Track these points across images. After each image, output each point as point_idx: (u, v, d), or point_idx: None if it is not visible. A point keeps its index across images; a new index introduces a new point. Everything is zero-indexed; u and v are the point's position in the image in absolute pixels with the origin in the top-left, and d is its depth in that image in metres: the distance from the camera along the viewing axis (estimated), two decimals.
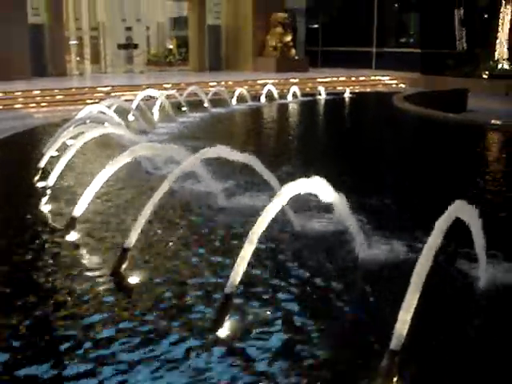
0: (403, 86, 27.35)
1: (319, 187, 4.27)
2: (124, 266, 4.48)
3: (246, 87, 19.73)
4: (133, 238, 4.60)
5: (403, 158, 9.23)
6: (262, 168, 5.34)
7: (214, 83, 21.09)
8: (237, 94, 16.20)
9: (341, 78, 26.55)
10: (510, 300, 4.07)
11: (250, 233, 3.84)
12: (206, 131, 11.42)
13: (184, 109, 13.69)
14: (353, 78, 27.07)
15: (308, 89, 21.94)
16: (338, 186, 4.43)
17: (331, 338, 3.64)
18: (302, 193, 4.13)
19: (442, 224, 3.45)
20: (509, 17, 28.15)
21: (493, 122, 12.65)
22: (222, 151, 5.35)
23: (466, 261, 4.47)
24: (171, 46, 35.62)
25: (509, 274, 4.32)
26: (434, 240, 3.34)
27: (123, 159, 5.48)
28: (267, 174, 5.37)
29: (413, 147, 10.62)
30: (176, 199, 6.19)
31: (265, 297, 4.08)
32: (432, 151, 10.05)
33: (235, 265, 3.78)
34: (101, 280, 4.37)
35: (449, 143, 11.16)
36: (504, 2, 27.95)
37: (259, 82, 22.96)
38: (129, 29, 34.24)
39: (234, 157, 5.32)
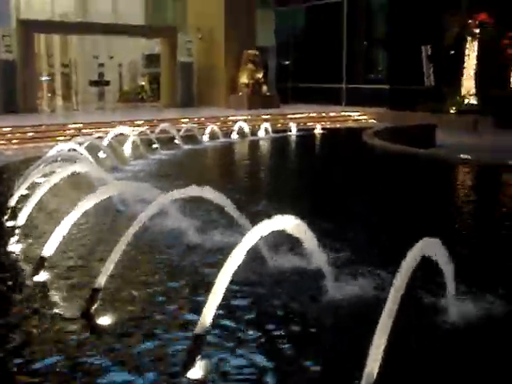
0: (373, 121, 27.76)
1: (289, 224, 4.30)
2: (94, 307, 4.44)
3: (218, 124, 19.88)
4: (103, 278, 4.57)
5: (373, 194, 9.33)
6: (231, 206, 5.37)
7: (186, 120, 21.23)
8: (208, 130, 16.29)
9: (312, 114, 26.89)
10: (478, 334, 4.11)
11: (220, 272, 3.85)
12: (177, 168, 11.45)
13: (156, 146, 13.72)
14: (323, 114, 27.43)
15: (279, 125, 22.17)
16: (307, 221, 4.47)
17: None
18: (272, 230, 4.16)
19: (408, 263, 3.49)
20: (474, 53, 28.88)
21: (461, 156, 12.86)
22: (193, 190, 5.37)
23: (435, 296, 4.51)
24: (143, 83, 35.84)
25: (478, 308, 4.37)
26: (401, 280, 3.37)
27: (94, 198, 5.47)
28: (237, 212, 5.40)
29: (382, 183, 10.75)
30: (148, 238, 6.16)
31: (236, 337, 4.07)
32: (401, 186, 10.19)
33: (206, 304, 3.78)
34: (70, 321, 4.32)
35: (418, 178, 11.32)
36: (469, 38, 28.69)
37: (231, 118, 23.16)
38: (101, 65, 34.40)
39: (204, 195, 5.35)
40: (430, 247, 3.79)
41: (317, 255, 4.65)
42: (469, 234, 6.89)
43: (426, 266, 3.82)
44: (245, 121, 19.52)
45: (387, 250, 5.90)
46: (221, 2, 30.54)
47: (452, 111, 27.46)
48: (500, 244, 6.45)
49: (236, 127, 17.48)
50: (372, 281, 4.93)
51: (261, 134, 17.82)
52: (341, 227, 6.80)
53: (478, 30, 28.37)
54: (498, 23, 28.25)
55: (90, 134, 14.17)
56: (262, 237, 4.08)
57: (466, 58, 29.23)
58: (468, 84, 29.10)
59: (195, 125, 17.36)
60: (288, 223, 4.27)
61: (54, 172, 7.10)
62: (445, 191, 9.83)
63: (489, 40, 28.76)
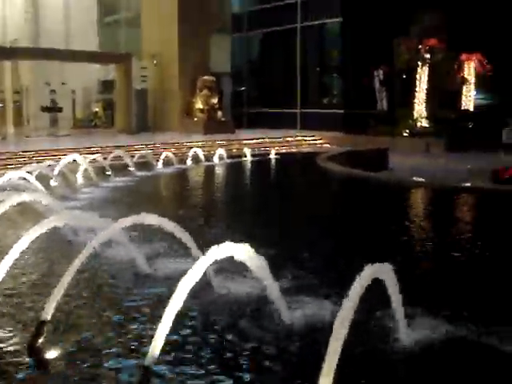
0: (328, 145, 28.03)
1: (240, 251, 4.27)
2: (41, 340, 4.31)
3: (173, 150, 19.80)
4: (50, 310, 4.45)
5: (325, 218, 9.37)
6: (182, 233, 5.32)
7: (141, 146, 21.07)
8: (163, 156, 16.20)
9: (267, 139, 27.00)
10: (428, 357, 4.12)
11: (170, 301, 3.79)
12: (129, 196, 11.32)
13: (108, 173, 13.56)
14: (278, 139, 27.57)
15: (235, 150, 22.19)
16: (258, 247, 4.44)
17: None
18: (223, 257, 4.12)
19: (357, 287, 3.50)
20: (426, 77, 29.53)
21: (413, 179, 13.05)
22: (143, 218, 5.31)
23: (385, 320, 4.52)
24: (97, 109, 35.54)
25: (427, 331, 4.39)
26: (350, 304, 3.37)
27: (42, 227, 5.35)
28: (189, 239, 5.35)
29: (334, 206, 10.83)
30: (96, 267, 6.05)
31: (185, 368, 4.00)
32: (351, 209, 10.30)
33: (155, 335, 3.71)
34: (15, 354, 4.19)
35: (370, 201, 11.45)
36: (420, 63, 29.35)
37: (186, 144, 23.09)
38: (53, 92, 34.00)
39: (154, 223, 5.29)
40: (378, 272, 3.81)
41: (265, 281, 4.60)
42: (417, 256, 6.95)
43: (375, 289, 3.83)
44: (200, 147, 19.51)
45: (338, 275, 5.90)
46: (175, 29, 30.67)
47: (405, 134, 27.94)
48: (450, 266, 6.52)
49: (190, 153, 17.45)
50: (323, 305, 4.92)
51: (215, 159, 17.82)
52: (289, 252, 6.79)
53: (428, 55, 29.06)
54: (449, 48, 29.01)
55: (42, 162, 13.92)
56: (210, 265, 4.04)
57: (418, 81, 29.86)
58: (420, 107, 29.70)
59: (149, 151, 17.24)
60: (236, 250, 4.24)
61: (1, 201, 6.94)
62: (395, 214, 9.93)
63: (439, 64, 29.48)
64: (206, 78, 30.68)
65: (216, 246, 4.10)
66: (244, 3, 38.56)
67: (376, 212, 10.14)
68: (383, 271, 3.91)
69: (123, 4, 37.88)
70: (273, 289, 4.61)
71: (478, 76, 31.94)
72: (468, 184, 12.44)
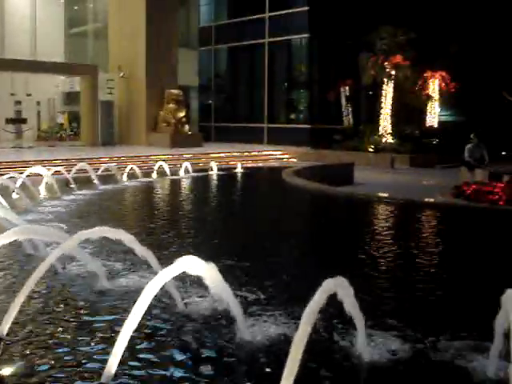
0: (294, 160, 28.19)
1: (199, 266, 4.25)
2: None
3: (139, 163, 19.72)
4: (6, 326, 4.37)
5: (288, 233, 9.39)
6: (142, 248, 5.27)
7: (106, 159, 20.92)
8: (128, 170, 16.08)
9: (234, 153, 27.06)
10: (388, 373, 4.14)
11: (127, 318, 3.75)
12: (91, 210, 11.19)
13: (72, 186, 13.41)
14: (245, 153, 27.66)
15: (201, 164, 22.20)
16: (220, 263, 4.43)
17: None
18: (183, 272, 4.10)
19: (315, 303, 3.50)
20: (391, 94, 29.95)
21: (378, 194, 13.16)
22: (103, 232, 5.26)
23: (344, 335, 4.53)
24: (63, 121, 35.24)
25: (388, 346, 4.41)
26: (307, 320, 3.36)
27: (1, 242, 5.26)
28: (149, 254, 5.30)
29: (296, 221, 10.87)
30: (55, 282, 5.96)
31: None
32: (314, 224, 10.34)
33: (112, 352, 3.66)
34: None
35: (334, 216, 11.54)
36: (386, 80, 29.75)
37: (152, 157, 23.01)
38: (18, 103, 33.65)
39: (115, 237, 5.23)
40: (335, 286, 3.81)
41: (225, 297, 4.58)
42: (375, 271, 6.99)
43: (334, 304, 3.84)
44: (166, 160, 19.44)
45: (297, 289, 5.90)
46: (142, 42, 30.63)
47: (370, 149, 28.26)
48: (407, 280, 6.57)
49: (156, 167, 17.37)
50: (282, 321, 4.91)
51: (181, 173, 17.76)
52: (249, 266, 6.77)
53: (393, 72, 29.49)
54: (413, 65, 29.48)
55: (5, 174, 13.70)
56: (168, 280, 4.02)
57: (383, 98, 30.29)
58: (385, 123, 30.10)
59: (114, 164, 17.11)
60: (196, 265, 4.21)
61: None
62: (356, 228, 10.00)
63: (404, 81, 29.94)
64: (173, 91, 30.66)
65: (174, 260, 4.08)
66: (212, 17, 38.71)
67: (337, 226, 10.21)
68: (341, 286, 3.91)
69: (90, 15, 37.74)
70: (231, 305, 4.57)
71: (441, 93, 32.54)
72: (431, 199, 12.60)
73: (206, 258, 4.33)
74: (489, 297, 4.19)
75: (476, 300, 5.71)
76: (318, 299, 3.55)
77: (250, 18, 35.18)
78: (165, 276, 4.02)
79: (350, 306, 4.00)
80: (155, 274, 4.27)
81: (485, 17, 34.23)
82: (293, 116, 35.30)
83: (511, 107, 31.17)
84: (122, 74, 31.31)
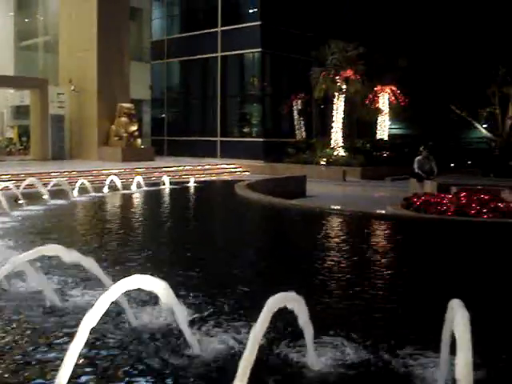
0: (247, 173, 28.29)
1: (149, 283, 4.22)
2: None
3: (90, 177, 19.50)
4: None
5: (239, 247, 9.40)
6: (92, 264, 5.20)
7: (57, 173, 20.62)
8: (78, 184, 15.85)
9: (187, 167, 27.02)
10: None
11: (76, 335, 3.69)
12: (40, 225, 10.99)
13: (21, 201, 13.14)
14: (198, 167, 27.65)
15: (154, 178, 22.09)
16: (169, 277, 4.40)
17: None
18: (131, 288, 4.06)
19: (264, 317, 3.51)
20: (342, 108, 30.37)
21: (330, 206, 13.29)
22: (52, 249, 5.17)
23: (295, 349, 4.55)
24: (12, 135, 34.62)
25: (335, 357, 4.44)
26: (256, 336, 3.37)
27: None
28: (99, 271, 5.24)
29: (247, 233, 10.90)
30: (1, 302, 5.83)
31: None
32: (265, 236, 10.37)
33: (59, 370, 3.60)
34: None
35: (285, 228, 11.62)
36: (337, 94, 30.16)
37: (104, 172, 22.77)
38: None
39: (63, 255, 5.15)
40: (284, 300, 3.83)
41: (175, 312, 4.55)
42: (325, 283, 7.05)
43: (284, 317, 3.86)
44: (117, 174, 19.26)
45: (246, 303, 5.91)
46: (93, 55, 30.37)
47: (322, 162, 28.57)
48: (358, 291, 6.64)
49: (107, 181, 17.18)
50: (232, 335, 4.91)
51: (133, 187, 17.61)
52: (197, 280, 6.75)
53: (344, 86, 29.92)
54: (364, 79, 30.00)
55: None
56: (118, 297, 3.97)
57: (335, 111, 30.71)
58: (336, 136, 30.48)
59: (64, 179, 16.85)
60: (145, 281, 4.18)
61: None
62: (307, 240, 10.08)
63: (355, 95, 30.43)
64: (125, 104, 30.48)
65: (123, 277, 4.04)
66: (165, 31, 38.69)
67: (288, 239, 10.28)
68: (289, 299, 3.93)
69: (41, 28, 37.28)
70: (180, 319, 4.55)
71: (391, 107, 33.19)
72: (382, 211, 12.80)
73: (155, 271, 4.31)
74: (434, 306, 4.27)
75: (421, 309, 5.81)
76: (266, 314, 3.56)
77: (203, 31, 35.30)
78: (116, 291, 3.97)
79: (301, 316, 4.04)
80: (104, 289, 4.22)
81: (434, 31, 35.13)
82: (246, 130, 35.46)
83: (460, 120, 32.04)
84: (72, 88, 30.96)
